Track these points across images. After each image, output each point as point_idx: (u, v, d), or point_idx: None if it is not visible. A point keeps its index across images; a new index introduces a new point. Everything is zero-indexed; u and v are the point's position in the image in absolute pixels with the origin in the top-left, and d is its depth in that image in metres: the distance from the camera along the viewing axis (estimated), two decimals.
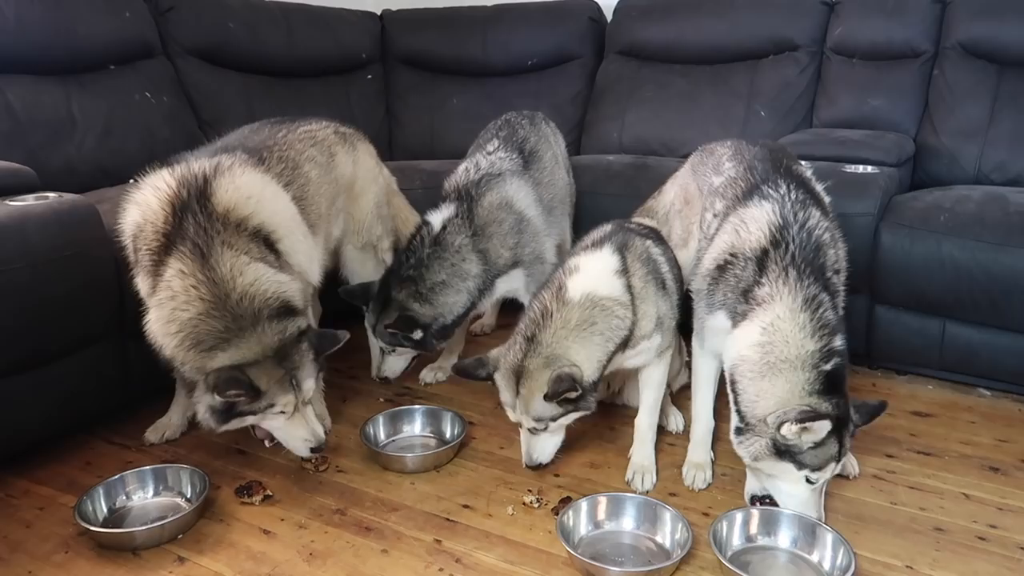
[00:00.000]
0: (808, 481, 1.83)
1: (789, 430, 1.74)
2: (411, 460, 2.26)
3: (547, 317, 1.94)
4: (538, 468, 2.07)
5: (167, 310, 1.89)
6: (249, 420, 1.99)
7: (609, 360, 1.99)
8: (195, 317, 1.88)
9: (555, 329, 1.93)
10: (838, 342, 1.82)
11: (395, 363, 2.68)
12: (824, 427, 1.73)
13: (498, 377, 2.00)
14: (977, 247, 2.47)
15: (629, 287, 2.00)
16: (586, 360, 1.93)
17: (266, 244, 2.05)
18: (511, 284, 2.63)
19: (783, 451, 1.79)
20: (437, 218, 2.53)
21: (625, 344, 2.01)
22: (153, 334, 1.94)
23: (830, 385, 1.78)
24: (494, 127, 2.92)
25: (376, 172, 2.84)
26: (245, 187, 2.06)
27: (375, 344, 2.74)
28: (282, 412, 1.99)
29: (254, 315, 1.91)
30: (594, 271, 2.00)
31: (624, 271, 2.01)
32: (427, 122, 4.15)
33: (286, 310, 1.98)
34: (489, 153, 2.70)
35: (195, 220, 1.93)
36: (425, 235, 2.51)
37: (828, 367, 1.78)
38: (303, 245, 2.22)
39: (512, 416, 2.01)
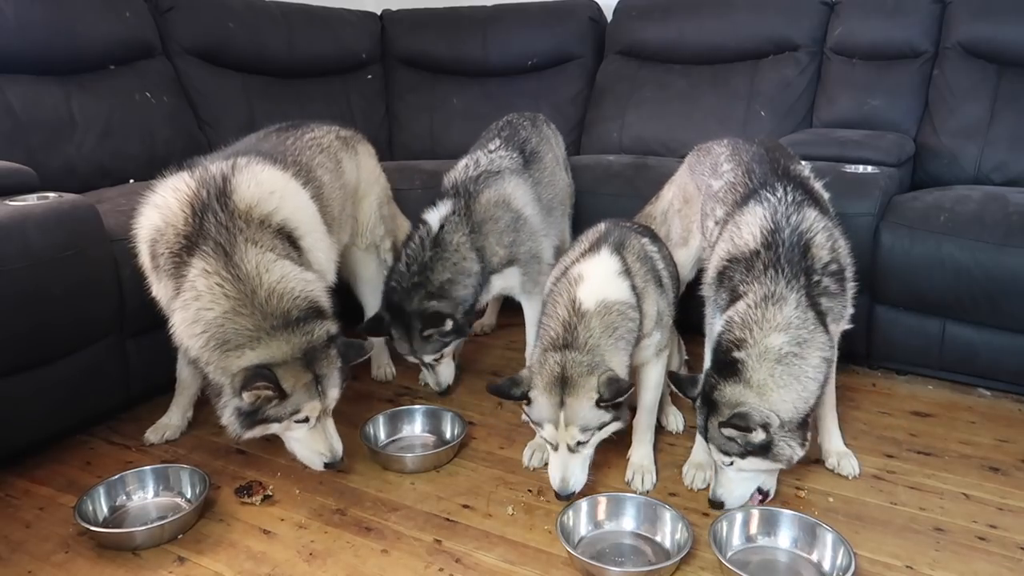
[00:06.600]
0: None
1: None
2: (411, 460, 2.26)
3: (571, 330, 1.89)
4: (570, 498, 1.93)
5: (192, 311, 1.86)
6: (273, 428, 1.95)
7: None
8: (221, 316, 1.85)
9: (584, 339, 1.87)
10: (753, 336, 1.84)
11: (445, 371, 2.63)
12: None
13: (535, 394, 1.90)
14: (977, 247, 2.47)
15: (633, 287, 1.99)
16: (618, 365, 1.90)
17: (289, 241, 2.02)
18: (507, 281, 2.62)
19: None
20: (434, 217, 2.50)
21: (635, 344, 2.00)
22: (179, 336, 1.91)
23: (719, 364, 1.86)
24: (496, 127, 2.91)
25: (377, 173, 2.86)
26: (267, 182, 2.04)
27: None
28: (306, 420, 1.95)
29: (284, 315, 1.87)
30: (599, 276, 1.97)
31: (626, 272, 2.00)
32: (427, 122, 4.15)
33: (315, 311, 1.94)
34: (490, 151, 2.69)
35: (216, 219, 1.90)
36: (424, 236, 2.47)
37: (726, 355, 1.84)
38: (323, 243, 2.20)
39: (551, 434, 1.89)
